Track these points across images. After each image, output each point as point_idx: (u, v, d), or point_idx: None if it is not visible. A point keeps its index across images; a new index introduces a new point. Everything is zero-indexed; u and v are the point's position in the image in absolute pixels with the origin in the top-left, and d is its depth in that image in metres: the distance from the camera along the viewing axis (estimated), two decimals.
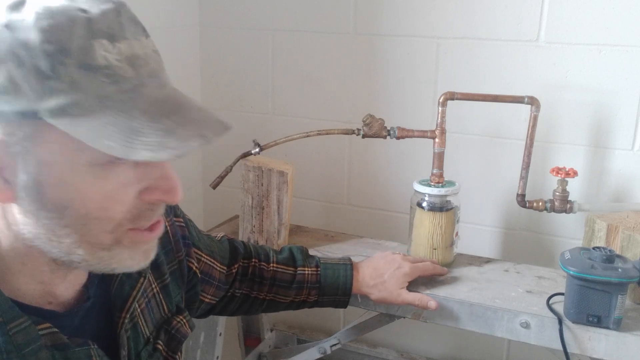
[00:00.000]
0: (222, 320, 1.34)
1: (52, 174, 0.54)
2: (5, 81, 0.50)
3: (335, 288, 1.06)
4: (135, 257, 0.61)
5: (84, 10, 0.52)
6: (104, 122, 0.51)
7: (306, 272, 1.05)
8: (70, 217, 0.55)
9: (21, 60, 0.50)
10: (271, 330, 1.65)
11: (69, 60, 0.50)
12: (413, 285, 1.11)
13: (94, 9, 0.53)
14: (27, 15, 0.51)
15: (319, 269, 1.06)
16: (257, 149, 1.28)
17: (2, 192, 0.54)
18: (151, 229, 0.61)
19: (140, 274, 0.72)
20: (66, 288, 0.64)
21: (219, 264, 0.96)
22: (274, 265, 1.05)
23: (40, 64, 0.50)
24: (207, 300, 0.95)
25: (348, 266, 1.07)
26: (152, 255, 0.63)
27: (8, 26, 0.51)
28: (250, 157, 1.29)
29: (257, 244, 1.29)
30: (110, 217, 0.57)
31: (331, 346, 1.28)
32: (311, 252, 1.29)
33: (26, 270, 0.60)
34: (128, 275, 0.71)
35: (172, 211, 0.86)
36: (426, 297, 1.07)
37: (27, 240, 0.57)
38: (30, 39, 0.50)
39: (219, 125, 0.56)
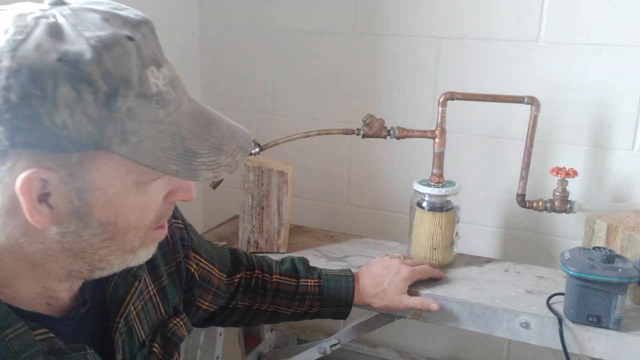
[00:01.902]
0: None
1: (102, 197, 0.55)
2: (63, 115, 0.50)
3: (337, 299, 1.06)
4: (150, 252, 0.65)
5: (130, 38, 0.52)
6: (162, 147, 0.54)
7: (309, 283, 1.05)
8: (112, 232, 0.57)
9: (81, 94, 0.50)
10: (271, 330, 1.65)
11: (129, 92, 0.52)
12: (412, 285, 1.11)
13: (136, 34, 0.53)
14: (80, 47, 0.50)
15: (321, 280, 1.05)
16: (257, 149, 1.28)
17: (45, 218, 0.54)
18: (162, 226, 0.65)
19: (135, 277, 0.72)
20: (67, 292, 0.65)
21: (217, 271, 0.95)
22: (277, 276, 1.04)
23: (101, 97, 0.50)
24: (204, 307, 0.94)
25: (350, 278, 1.07)
26: (156, 245, 0.67)
27: (63, 60, 0.49)
28: (250, 157, 1.29)
29: (257, 244, 1.30)
30: (145, 225, 0.60)
31: (331, 346, 1.28)
32: (311, 252, 1.29)
33: (33, 277, 0.60)
34: (123, 279, 0.71)
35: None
36: (428, 300, 1.07)
37: (51, 256, 0.58)
38: (90, 74, 0.50)
39: (244, 134, 0.61)
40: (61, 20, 0.52)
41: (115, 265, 0.61)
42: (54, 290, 0.62)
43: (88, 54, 0.50)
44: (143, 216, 0.59)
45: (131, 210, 0.58)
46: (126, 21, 0.54)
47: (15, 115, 0.49)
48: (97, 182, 0.54)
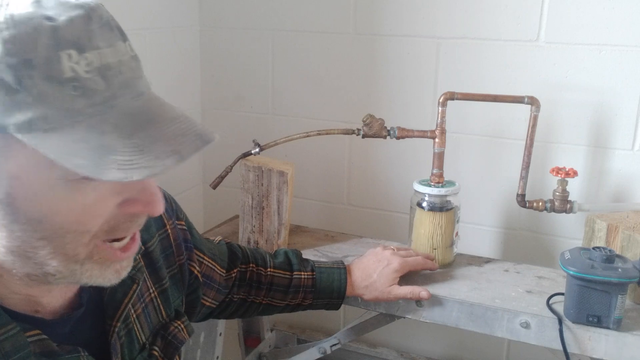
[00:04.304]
0: (222, 320, 1.34)
1: (24, 189, 0.51)
2: None
3: (330, 292, 1.07)
4: (106, 274, 0.59)
5: (50, 18, 0.49)
6: (74, 138, 0.49)
7: (302, 276, 1.06)
8: (46, 230, 0.54)
9: None
10: (271, 330, 1.65)
11: (34, 72, 0.48)
12: (410, 282, 1.11)
13: (61, 16, 0.49)
14: None
15: (314, 273, 1.06)
16: (257, 149, 1.28)
17: None
18: (124, 249, 0.59)
19: (133, 280, 0.71)
20: (54, 297, 0.63)
21: (219, 267, 0.96)
22: (271, 270, 1.05)
23: (5, 77, 0.47)
24: (207, 304, 0.94)
25: (342, 270, 1.08)
26: (124, 274, 0.61)
27: None
28: (250, 157, 1.29)
29: (257, 244, 1.30)
30: (87, 230, 0.55)
31: (331, 346, 1.28)
32: (311, 252, 1.29)
33: (3, 282, 0.58)
34: (121, 282, 0.68)
35: (174, 214, 0.85)
36: (418, 288, 1.07)
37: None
38: None
39: (197, 139, 0.53)
40: None
41: (65, 273, 0.57)
42: (33, 296, 0.60)
43: None
44: (82, 220, 0.54)
45: (63, 210, 0.53)
46: (60, 3, 0.51)
47: None
48: (13, 170, 0.51)
